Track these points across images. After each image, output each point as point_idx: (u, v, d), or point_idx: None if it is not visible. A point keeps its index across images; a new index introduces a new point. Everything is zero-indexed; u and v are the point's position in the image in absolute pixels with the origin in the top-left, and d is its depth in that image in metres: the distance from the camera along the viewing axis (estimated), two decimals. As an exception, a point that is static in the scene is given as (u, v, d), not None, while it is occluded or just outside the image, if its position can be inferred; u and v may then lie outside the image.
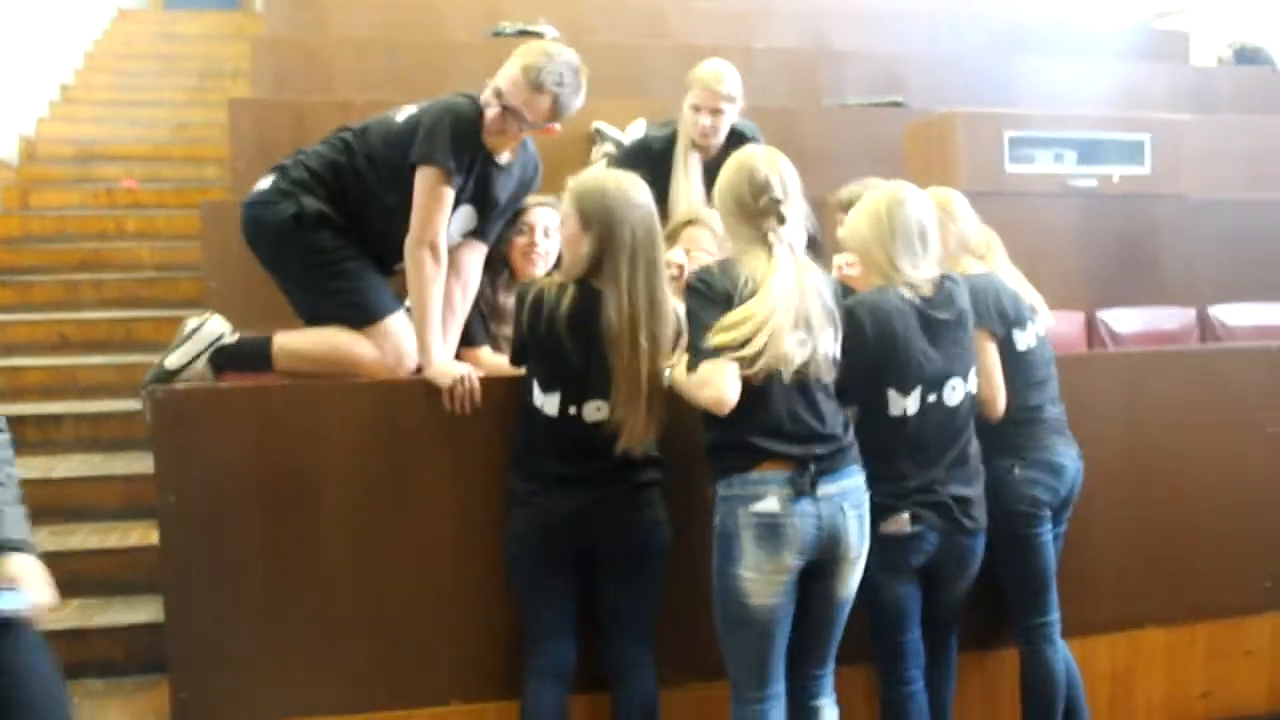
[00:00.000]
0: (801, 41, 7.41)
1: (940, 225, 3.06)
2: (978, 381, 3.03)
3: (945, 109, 5.23)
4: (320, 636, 3.00)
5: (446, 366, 3.03)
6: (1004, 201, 4.64)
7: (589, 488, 2.79)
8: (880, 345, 2.85)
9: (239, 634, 2.95)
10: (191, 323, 3.16)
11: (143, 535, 3.95)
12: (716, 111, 3.89)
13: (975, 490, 2.99)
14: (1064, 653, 3.22)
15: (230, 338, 3.14)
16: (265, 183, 3.20)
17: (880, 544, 2.83)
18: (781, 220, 2.68)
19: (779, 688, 2.72)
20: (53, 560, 3.77)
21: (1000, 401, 3.11)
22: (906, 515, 2.88)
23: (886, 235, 2.92)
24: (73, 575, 3.82)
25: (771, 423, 2.62)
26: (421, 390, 3.03)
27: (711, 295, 2.63)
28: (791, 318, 2.62)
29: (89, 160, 7.05)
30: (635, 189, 2.80)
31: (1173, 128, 5.25)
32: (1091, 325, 4.92)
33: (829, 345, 2.70)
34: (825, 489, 2.63)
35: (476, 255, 3.30)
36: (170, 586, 2.98)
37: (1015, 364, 3.15)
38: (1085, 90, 6.84)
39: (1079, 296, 4.91)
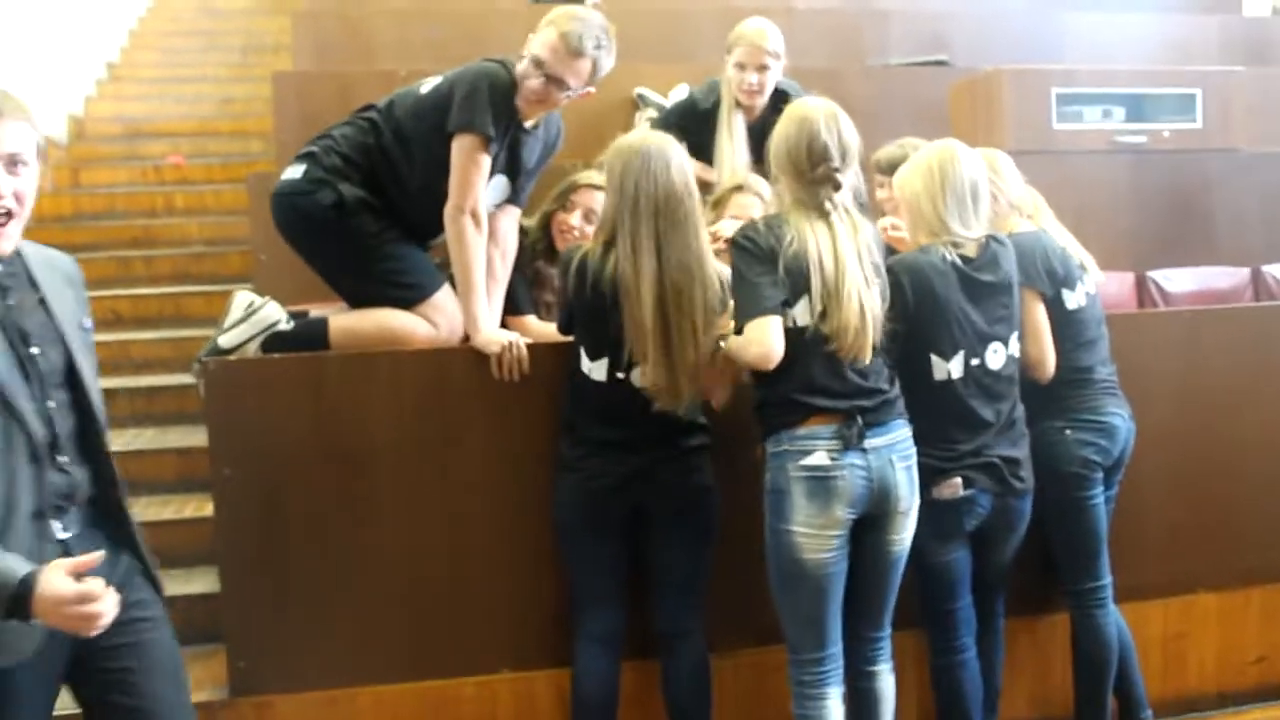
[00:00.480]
0: (844, 1, 7.31)
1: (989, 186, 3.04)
2: (1026, 342, 3.00)
3: (991, 67, 5.15)
4: (372, 606, 3.04)
5: (494, 334, 3.04)
6: (1052, 160, 4.58)
7: (636, 453, 2.80)
8: (920, 308, 2.84)
9: (293, 604, 3.00)
10: (244, 298, 3.18)
11: (198, 508, 3.99)
12: (762, 68, 3.86)
13: (1022, 451, 2.98)
14: (1115, 617, 3.20)
15: (285, 325, 3.15)
16: (296, 171, 3.19)
17: (932, 509, 2.83)
18: (837, 187, 2.68)
19: (836, 649, 2.73)
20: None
21: (1049, 363, 3.07)
22: (959, 479, 2.87)
23: (938, 191, 2.90)
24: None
25: (818, 378, 2.64)
26: (470, 358, 3.05)
27: (756, 252, 2.65)
28: (859, 287, 2.64)
29: (136, 138, 7.10)
30: (660, 146, 2.81)
31: (1225, 80, 5.13)
32: (1142, 285, 4.83)
33: (875, 301, 2.69)
34: (873, 441, 2.65)
35: (511, 220, 3.32)
36: (225, 558, 3.03)
37: (1064, 323, 3.11)
38: (1134, 44, 6.70)
39: (1129, 256, 4.82)
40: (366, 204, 3.14)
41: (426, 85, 3.20)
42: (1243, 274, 4.96)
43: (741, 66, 3.87)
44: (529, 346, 3.02)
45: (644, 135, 2.94)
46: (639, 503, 2.85)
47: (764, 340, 2.59)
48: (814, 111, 2.73)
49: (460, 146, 3.04)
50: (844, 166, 2.68)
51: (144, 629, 2.17)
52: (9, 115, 1.99)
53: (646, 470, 2.81)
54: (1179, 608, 3.57)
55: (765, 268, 2.63)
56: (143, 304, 5.38)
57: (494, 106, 3.04)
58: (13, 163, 1.99)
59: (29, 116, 2.02)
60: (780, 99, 3.84)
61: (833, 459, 2.62)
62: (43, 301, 2.12)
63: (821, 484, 2.62)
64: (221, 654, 3.10)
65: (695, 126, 3.82)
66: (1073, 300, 3.14)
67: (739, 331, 2.66)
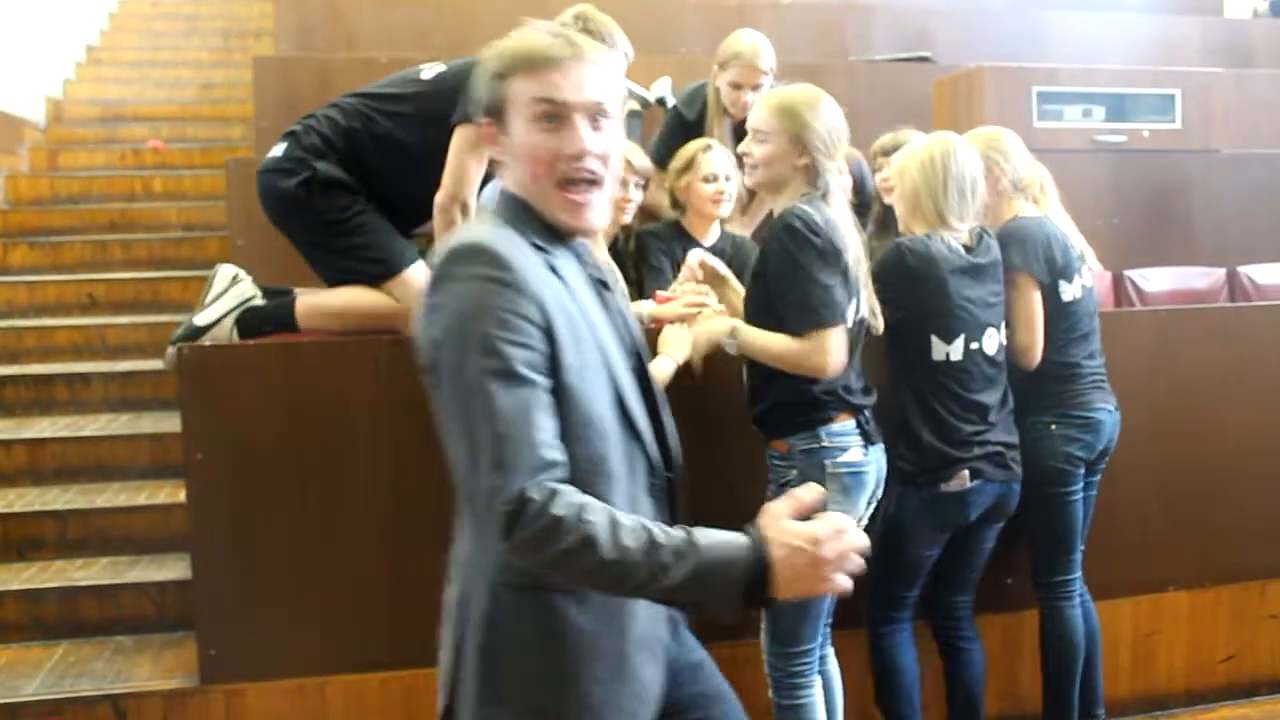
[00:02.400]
0: (828, -4, 7.32)
1: (993, 165, 3.06)
2: (1017, 328, 3.02)
3: (973, 64, 5.16)
4: (344, 594, 3.02)
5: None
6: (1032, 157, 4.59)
7: None
8: (923, 288, 2.83)
9: (265, 591, 2.98)
10: (228, 269, 3.20)
11: (171, 493, 3.98)
12: (758, 86, 3.83)
13: (1015, 437, 2.99)
14: (1088, 611, 3.23)
15: (259, 301, 3.16)
16: (279, 150, 3.20)
17: (935, 501, 2.84)
18: (841, 170, 2.70)
19: (820, 639, 2.76)
20: (82, 518, 3.87)
21: (1037, 350, 3.06)
22: (966, 471, 2.85)
23: (938, 184, 2.89)
24: (102, 533, 3.87)
25: (845, 375, 2.63)
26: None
27: (825, 250, 2.53)
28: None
29: (115, 121, 7.06)
30: None
31: (1205, 82, 5.18)
32: (1119, 284, 4.86)
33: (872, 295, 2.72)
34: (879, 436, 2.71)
35: None
36: (198, 544, 3.02)
37: (1058, 315, 3.10)
38: (1115, 44, 6.74)
39: (1107, 255, 4.81)
40: (340, 183, 3.12)
41: (428, 71, 3.17)
42: (1219, 274, 4.99)
43: (737, 86, 3.82)
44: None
45: None
46: None
47: (835, 352, 2.53)
48: (821, 92, 2.65)
49: (464, 136, 3.00)
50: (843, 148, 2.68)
51: (712, 675, 1.88)
52: (592, 55, 1.58)
53: None
54: (1150, 606, 3.60)
55: (833, 270, 2.53)
56: (119, 288, 5.36)
57: None
58: (598, 114, 1.58)
59: (615, 55, 1.65)
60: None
61: (864, 454, 2.64)
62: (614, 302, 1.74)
63: (857, 479, 2.64)
64: (192, 641, 3.09)
65: (685, 138, 3.83)
66: (1069, 292, 3.12)
67: (797, 332, 2.55)
